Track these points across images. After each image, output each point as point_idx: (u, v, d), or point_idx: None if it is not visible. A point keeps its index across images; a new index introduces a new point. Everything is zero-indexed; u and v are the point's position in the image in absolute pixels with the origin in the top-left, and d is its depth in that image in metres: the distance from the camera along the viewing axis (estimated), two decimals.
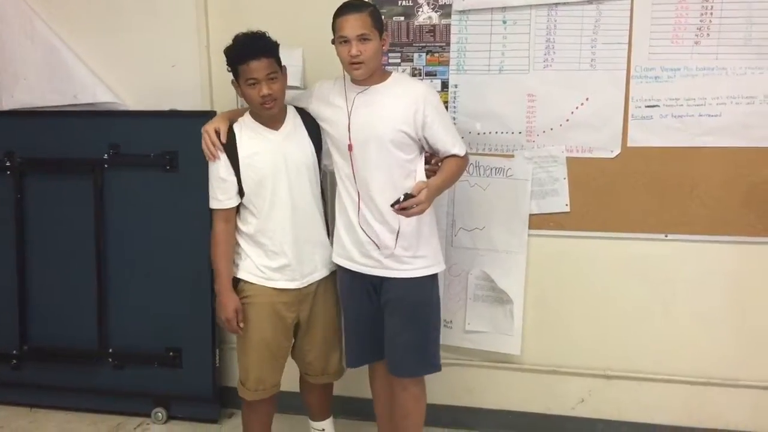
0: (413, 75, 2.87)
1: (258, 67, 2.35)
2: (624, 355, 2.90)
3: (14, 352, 3.29)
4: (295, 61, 2.85)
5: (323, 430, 2.78)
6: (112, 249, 3.18)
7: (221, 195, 2.47)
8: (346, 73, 2.42)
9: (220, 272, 2.50)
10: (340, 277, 2.60)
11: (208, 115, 2.97)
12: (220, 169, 2.45)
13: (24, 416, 3.24)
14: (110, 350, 3.21)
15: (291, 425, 3.01)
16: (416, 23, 2.85)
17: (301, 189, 2.50)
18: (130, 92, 3.14)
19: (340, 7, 2.37)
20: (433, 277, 2.51)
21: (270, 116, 2.46)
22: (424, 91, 2.45)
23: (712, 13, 2.62)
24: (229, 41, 2.42)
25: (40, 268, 3.27)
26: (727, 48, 2.63)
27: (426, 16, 2.84)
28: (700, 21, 2.63)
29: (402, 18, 2.83)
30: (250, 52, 2.35)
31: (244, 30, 2.42)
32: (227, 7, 3.01)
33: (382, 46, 2.39)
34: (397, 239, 2.41)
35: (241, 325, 2.50)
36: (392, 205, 2.31)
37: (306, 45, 2.87)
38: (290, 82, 2.80)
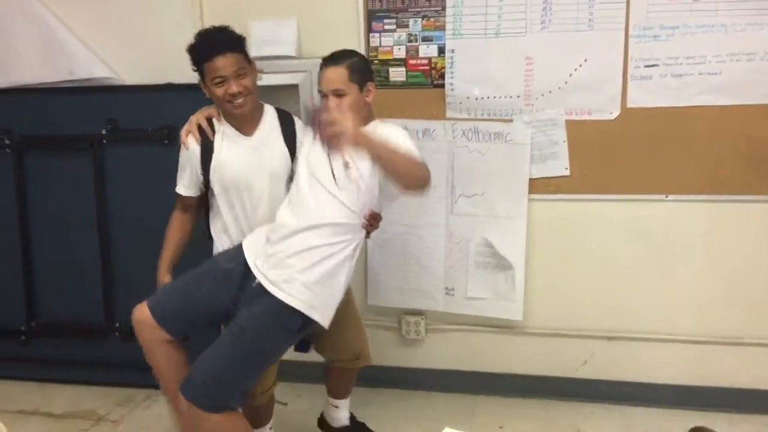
0: (409, 41, 2.84)
1: (225, 63, 2.21)
2: (625, 317, 2.91)
3: (22, 328, 3.34)
4: (289, 30, 2.82)
5: (338, 407, 2.70)
6: (114, 224, 3.20)
7: (183, 181, 2.44)
8: None
9: (162, 253, 2.46)
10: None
11: None
12: (191, 158, 2.37)
13: (35, 391, 3.28)
14: (116, 324, 3.24)
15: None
16: None
17: (276, 197, 2.37)
18: (126, 67, 3.12)
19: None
20: (291, 314, 2.13)
21: (241, 117, 2.32)
22: None
23: None
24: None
25: (44, 245, 3.29)
26: (727, 4, 2.58)
27: None
28: None
29: None
30: (215, 48, 2.21)
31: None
32: None
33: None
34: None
35: None
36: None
37: (300, 14, 2.83)
38: (285, 52, 2.81)
